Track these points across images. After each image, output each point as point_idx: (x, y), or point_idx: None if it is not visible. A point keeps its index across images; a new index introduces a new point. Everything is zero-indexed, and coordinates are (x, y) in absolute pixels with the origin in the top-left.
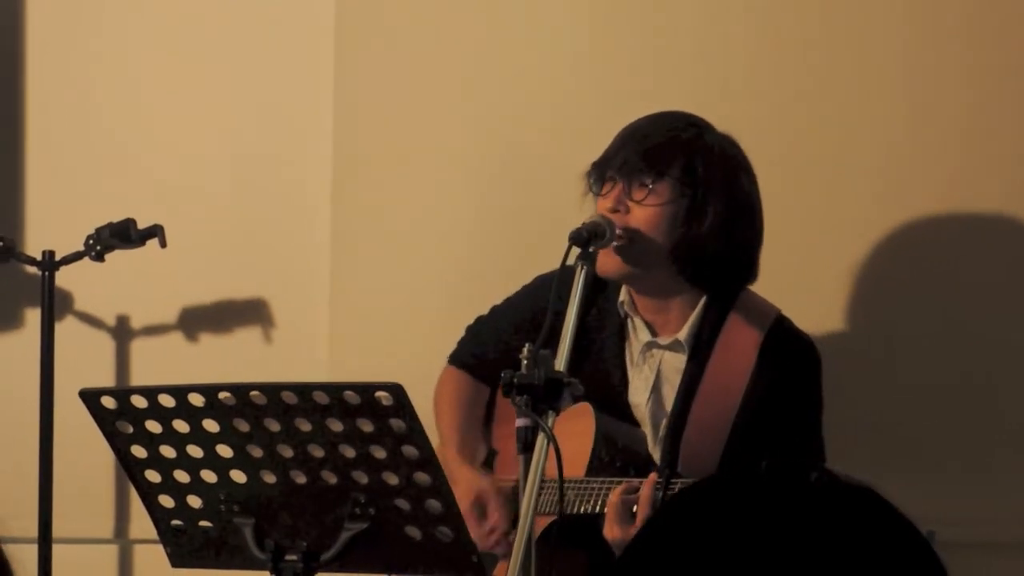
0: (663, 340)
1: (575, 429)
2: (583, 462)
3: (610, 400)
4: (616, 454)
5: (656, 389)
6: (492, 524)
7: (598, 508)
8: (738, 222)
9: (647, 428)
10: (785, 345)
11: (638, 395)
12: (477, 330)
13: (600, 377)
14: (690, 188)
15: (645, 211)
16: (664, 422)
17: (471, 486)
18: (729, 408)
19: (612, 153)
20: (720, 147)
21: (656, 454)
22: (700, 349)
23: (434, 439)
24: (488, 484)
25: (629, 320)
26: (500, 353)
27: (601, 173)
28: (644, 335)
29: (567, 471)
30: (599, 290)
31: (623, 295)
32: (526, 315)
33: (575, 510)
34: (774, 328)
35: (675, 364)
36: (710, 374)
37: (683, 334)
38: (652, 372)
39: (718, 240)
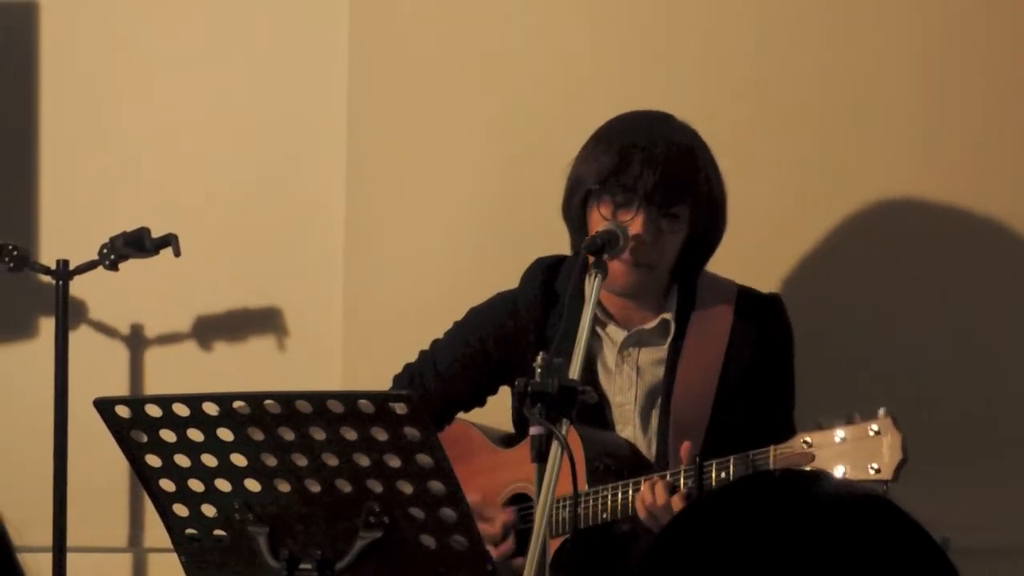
0: (648, 324)
1: None
2: (582, 472)
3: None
4: (609, 460)
5: (641, 384)
6: (504, 520)
7: (619, 514)
8: (725, 222)
9: (635, 424)
10: (757, 303)
11: (622, 394)
12: (415, 369)
13: None
14: (697, 202)
15: (669, 235)
16: (654, 412)
17: None
18: (712, 371)
19: (629, 175)
20: (707, 149)
21: (652, 447)
22: (680, 326)
23: None
24: (476, 496)
25: (598, 329)
26: (438, 386)
27: (603, 187)
28: (619, 336)
29: (568, 485)
30: (551, 304)
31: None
32: (461, 349)
33: (593, 522)
34: (741, 293)
35: (653, 357)
36: (690, 344)
37: (668, 315)
38: (633, 369)
39: (716, 243)
